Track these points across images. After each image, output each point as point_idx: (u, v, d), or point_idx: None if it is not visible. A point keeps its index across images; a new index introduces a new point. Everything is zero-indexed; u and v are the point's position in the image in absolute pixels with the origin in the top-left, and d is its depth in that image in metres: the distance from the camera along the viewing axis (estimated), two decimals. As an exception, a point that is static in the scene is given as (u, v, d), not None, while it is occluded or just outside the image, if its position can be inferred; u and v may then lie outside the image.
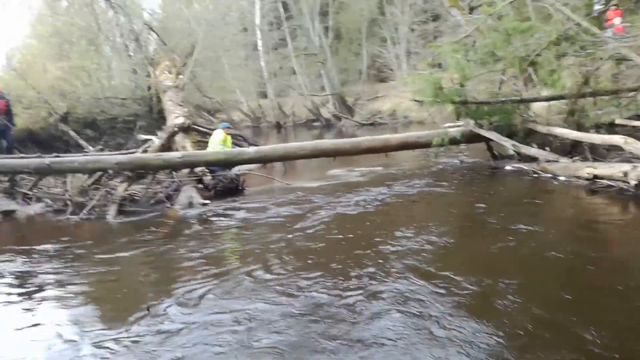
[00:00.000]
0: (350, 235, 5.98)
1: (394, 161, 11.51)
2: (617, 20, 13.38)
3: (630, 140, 7.42)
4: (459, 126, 10.42)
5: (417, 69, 26.63)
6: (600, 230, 5.92)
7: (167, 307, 4.08)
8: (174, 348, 3.39)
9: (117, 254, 5.90)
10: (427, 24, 33.70)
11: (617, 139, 7.70)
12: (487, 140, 10.27)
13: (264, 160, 9.69)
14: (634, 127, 8.85)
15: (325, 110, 33.33)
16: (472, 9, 18.57)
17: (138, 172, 8.77)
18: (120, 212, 8.03)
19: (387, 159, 10.87)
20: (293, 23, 34.08)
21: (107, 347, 3.48)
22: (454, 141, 10.16)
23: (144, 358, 3.30)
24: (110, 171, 8.46)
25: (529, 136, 10.12)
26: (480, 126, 10.18)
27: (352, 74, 38.37)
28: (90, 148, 12.37)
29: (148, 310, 3.99)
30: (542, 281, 4.18)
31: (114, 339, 3.58)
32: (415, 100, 11.25)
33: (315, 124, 34.12)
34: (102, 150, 12.17)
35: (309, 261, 5.10)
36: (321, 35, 33.43)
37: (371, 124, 29.79)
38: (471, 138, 10.32)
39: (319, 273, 4.64)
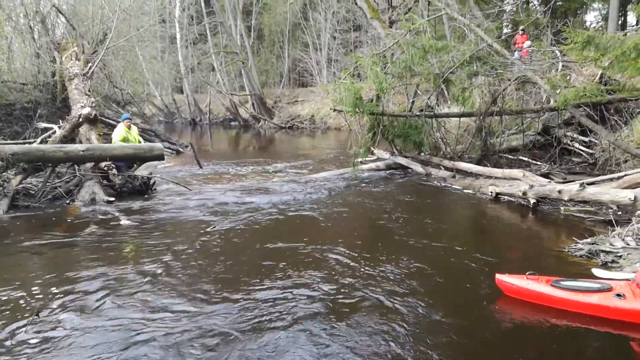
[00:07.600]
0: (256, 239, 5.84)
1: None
2: (526, 44, 14.34)
3: (528, 174, 8.05)
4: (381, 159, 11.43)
5: (337, 76, 27.16)
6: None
7: (58, 312, 3.76)
8: (60, 357, 3.13)
9: (6, 252, 5.37)
10: (348, 33, 34.47)
11: (516, 173, 8.25)
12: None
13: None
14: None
15: (244, 110, 32.94)
16: (392, 23, 19.21)
17: (35, 164, 8.05)
18: (13, 206, 7.35)
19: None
20: (214, 19, 33.26)
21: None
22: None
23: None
24: (3, 162, 7.65)
25: (438, 150, 10.67)
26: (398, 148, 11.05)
27: (273, 76, 38.34)
28: (-18, 135, 11.20)
29: (37, 314, 3.67)
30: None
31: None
32: (335, 110, 11.40)
33: (233, 123, 33.64)
34: (-5, 138, 11.04)
35: (210, 265, 4.90)
36: (243, 34, 32.96)
37: (290, 127, 29.91)
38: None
39: (218, 279, 4.49)
